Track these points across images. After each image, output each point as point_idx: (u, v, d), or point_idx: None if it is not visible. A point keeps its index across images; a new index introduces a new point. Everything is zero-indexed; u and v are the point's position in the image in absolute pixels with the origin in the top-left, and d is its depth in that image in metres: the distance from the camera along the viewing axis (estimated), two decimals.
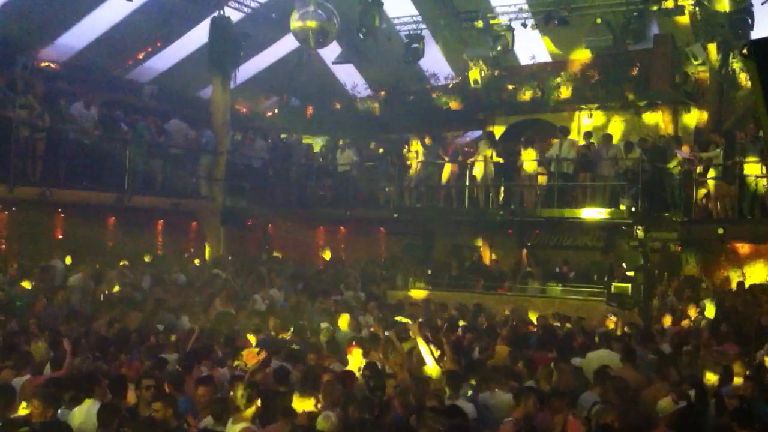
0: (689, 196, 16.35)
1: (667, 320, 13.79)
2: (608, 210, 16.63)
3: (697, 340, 11.49)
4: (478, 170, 18.27)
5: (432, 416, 6.64)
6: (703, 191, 16.33)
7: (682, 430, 6.91)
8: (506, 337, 11.50)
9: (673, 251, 17.75)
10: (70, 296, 13.00)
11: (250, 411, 7.01)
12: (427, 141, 19.32)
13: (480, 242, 20.78)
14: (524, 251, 20.04)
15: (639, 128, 19.19)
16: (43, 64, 18.55)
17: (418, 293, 17.37)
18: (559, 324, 13.58)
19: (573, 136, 18.60)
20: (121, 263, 16.03)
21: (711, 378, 8.79)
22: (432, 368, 9.18)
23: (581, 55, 20.12)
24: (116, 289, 14.27)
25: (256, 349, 9.09)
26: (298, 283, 17.09)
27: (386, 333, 11.39)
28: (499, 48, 19.49)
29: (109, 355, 9.40)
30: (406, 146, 20.47)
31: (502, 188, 18.21)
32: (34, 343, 9.51)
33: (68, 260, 15.85)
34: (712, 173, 15.83)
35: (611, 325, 12.92)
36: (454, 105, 21.28)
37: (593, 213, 16.72)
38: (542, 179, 17.75)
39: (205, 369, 8.85)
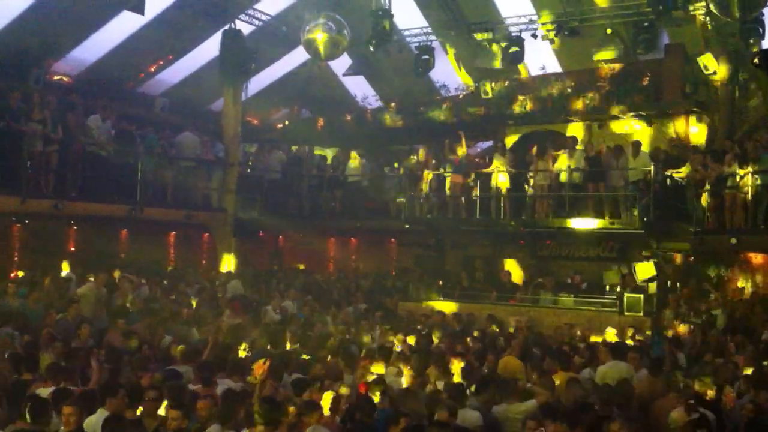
0: (702, 207, 16.28)
1: (683, 328, 13.73)
2: (620, 220, 16.59)
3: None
4: (503, 180, 18.26)
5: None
6: (716, 201, 16.23)
7: None
8: (516, 349, 11.46)
9: (685, 261, 17.65)
10: (82, 307, 13.06)
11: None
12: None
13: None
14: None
15: (651, 138, 19.13)
16: (56, 78, 18.67)
17: (438, 305, 17.32)
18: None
19: (582, 146, 18.56)
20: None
21: (728, 391, 8.75)
22: None
23: (592, 66, 20.08)
24: (129, 299, 14.32)
25: (262, 360, 9.08)
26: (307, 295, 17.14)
27: (399, 346, 11.42)
28: (509, 59, 19.48)
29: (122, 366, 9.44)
30: (414, 157, 20.49)
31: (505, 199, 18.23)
32: (41, 355, 9.54)
33: (65, 267, 15.85)
34: (730, 182, 15.74)
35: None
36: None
37: (606, 224, 16.70)
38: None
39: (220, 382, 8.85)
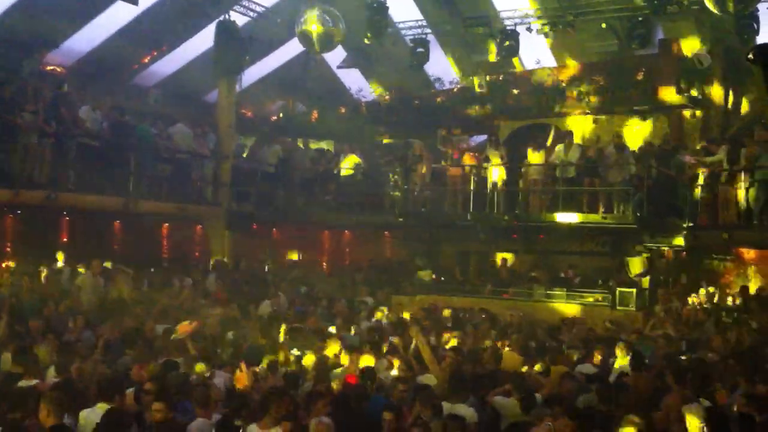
0: (694, 202, 16.33)
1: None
2: (613, 215, 16.62)
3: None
4: (497, 175, 18.23)
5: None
6: (709, 197, 16.27)
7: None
8: (516, 344, 11.46)
9: (678, 256, 17.69)
10: (79, 297, 13.10)
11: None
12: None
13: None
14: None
15: (644, 133, 19.15)
16: (49, 68, 18.56)
17: (431, 299, 17.31)
18: None
19: (577, 140, 18.61)
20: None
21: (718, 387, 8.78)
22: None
23: (586, 60, 20.09)
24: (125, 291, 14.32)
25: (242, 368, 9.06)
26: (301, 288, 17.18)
27: (392, 338, 11.44)
28: (504, 53, 19.46)
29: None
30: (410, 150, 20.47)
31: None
32: (38, 347, 9.54)
33: (60, 257, 15.81)
34: (724, 179, 15.79)
35: None
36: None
37: (599, 218, 16.73)
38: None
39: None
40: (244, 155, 21.27)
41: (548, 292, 17.11)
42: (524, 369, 10.07)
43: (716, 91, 18.32)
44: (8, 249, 16.86)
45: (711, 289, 16.20)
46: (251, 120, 23.02)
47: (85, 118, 16.23)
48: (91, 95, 17.21)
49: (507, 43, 19.29)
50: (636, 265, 16.93)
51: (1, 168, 14.46)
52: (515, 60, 20.57)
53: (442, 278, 19.16)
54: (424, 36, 20.64)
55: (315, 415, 7.15)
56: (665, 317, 14.36)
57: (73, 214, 17.51)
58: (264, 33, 20.31)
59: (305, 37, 17.48)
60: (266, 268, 19.59)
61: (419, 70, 21.50)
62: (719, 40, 17.97)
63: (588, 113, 19.94)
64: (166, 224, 19.78)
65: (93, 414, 6.84)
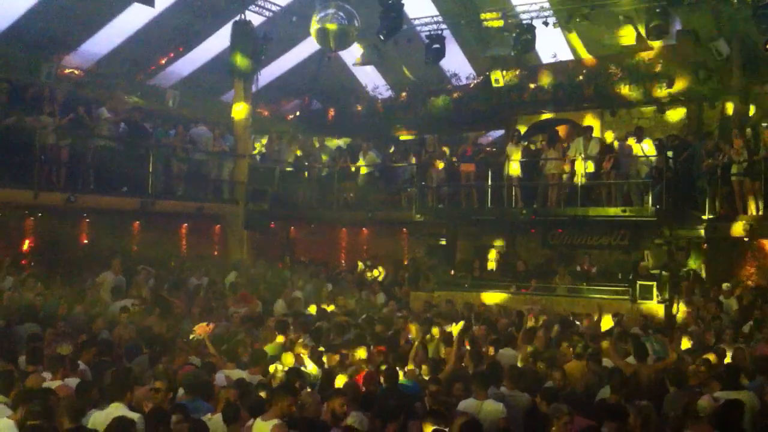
0: (714, 193, 16.19)
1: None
2: (633, 208, 16.51)
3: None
4: (516, 168, 18.18)
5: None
6: (728, 188, 16.12)
7: (726, 427, 6.80)
8: (542, 340, 11.34)
9: (699, 248, 17.54)
10: (102, 294, 13.21)
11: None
12: None
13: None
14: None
15: (663, 125, 19.02)
16: (67, 71, 18.71)
17: (450, 295, 17.23)
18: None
19: (596, 134, 18.50)
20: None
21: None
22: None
23: (603, 53, 19.96)
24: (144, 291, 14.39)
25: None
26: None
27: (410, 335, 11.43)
28: (520, 47, 19.35)
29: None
30: (423, 147, 20.42)
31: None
32: (60, 346, 9.60)
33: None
34: (734, 169, 15.66)
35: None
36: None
37: (618, 211, 16.63)
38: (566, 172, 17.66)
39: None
40: (264, 151, 21.40)
41: (567, 286, 17.02)
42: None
43: (735, 81, 18.12)
44: (29, 251, 17.05)
45: (728, 285, 16.00)
46: (268, 119, 23.09)
47: (102, 120, 16.36)
48: (108, 98, 17.32)
49: (523, 37, 19.18)
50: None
51: (19, 170, 14.58)
52: (532, 54, 20.41)
53: (461, 274, 19.06)
54: (439, 32, 20.57)
55: (330, 407, 7.14)
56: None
57: (92, 215, 17.67)
58: (279, 32, 20.35)
59: (321, 36, 17.47)
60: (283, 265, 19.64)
61: (435, 66, 21.45)
62: (737, 31, 17.76)
63: (606, 106, 19.81)
64: (185, 224, 19.92)
65: (105, 414, 6.82)
